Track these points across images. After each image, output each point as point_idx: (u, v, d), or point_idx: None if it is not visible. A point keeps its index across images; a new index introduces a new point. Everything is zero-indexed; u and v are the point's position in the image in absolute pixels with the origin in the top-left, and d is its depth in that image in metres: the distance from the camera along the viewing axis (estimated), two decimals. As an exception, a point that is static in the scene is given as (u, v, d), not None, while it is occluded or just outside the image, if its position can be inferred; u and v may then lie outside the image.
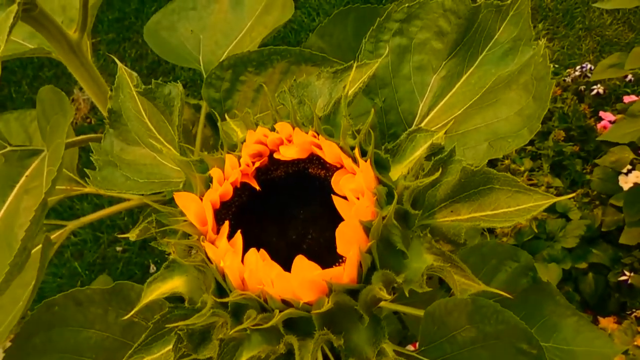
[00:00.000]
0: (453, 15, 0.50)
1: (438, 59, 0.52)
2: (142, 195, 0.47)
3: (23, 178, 0.63)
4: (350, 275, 0.37)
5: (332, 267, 0.41)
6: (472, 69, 0.51)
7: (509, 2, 0.49)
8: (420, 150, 0.46)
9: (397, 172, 0.45)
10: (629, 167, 1.82)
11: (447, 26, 0.50)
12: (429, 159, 0.45)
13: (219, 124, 0.51)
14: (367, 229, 0.38)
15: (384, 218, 0.38)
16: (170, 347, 0.43)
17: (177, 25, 1.16)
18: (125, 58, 2.81)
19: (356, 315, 0.40)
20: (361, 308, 0.38)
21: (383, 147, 0.43)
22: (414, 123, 0.51)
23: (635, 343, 1.58)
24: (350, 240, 0.36)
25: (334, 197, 0.38)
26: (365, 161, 0.40)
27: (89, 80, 0.74)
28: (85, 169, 0.49)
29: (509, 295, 0.50)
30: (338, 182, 0.40)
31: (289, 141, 0.42)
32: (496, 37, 0.51)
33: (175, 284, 0.43)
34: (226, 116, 0.54)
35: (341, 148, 0.41)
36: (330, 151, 0.40)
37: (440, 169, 0.39)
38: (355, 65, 0.46)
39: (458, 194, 0.43)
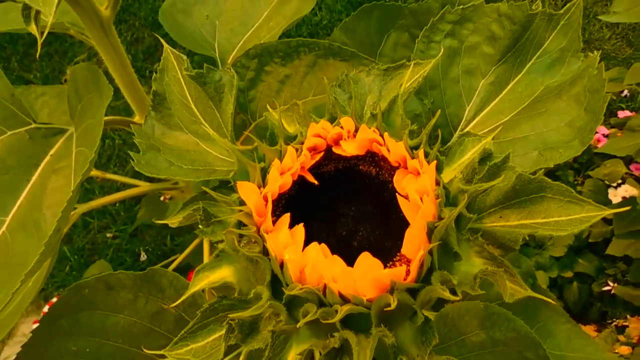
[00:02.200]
0: (508, 20, 0.50)
1: (488, 64, 0.52)
2: (188, 181, 0.47)
3: (47, 157, 0.62)
4: (412, 275, 0.37)
5: (384, 262, 0.42)
6: (519, 77, 0.51)
7: (561, 11, 0.50)
8: (469, 154, 0.46)
9: (448, 174, 0.45)
10: (620, 181, 1.86)
11: (500, 31, 0.51)
12: (482, 163, 0.45)
13: (265, 113, 0.51)
14: (430, 230, 0.38)
15: (442, 219, 0.39)
16: (215, 336, 0.43)
17: (193, 9, 1.14)
18: (121, 41, 2.76)
19: (408, 314, 0.40)
20: (417, 307, 0.38)
21: (435, 145, 0.43)
22: (460, 127, 0.51)
23: (616, 351, 1.63)
24: (416, 242, 0.36)
25: (399, 198, 0.38)
26: (428, 163, 0.40)
27: (115, 60, 0.72)
28: (129, 152, 0.48)
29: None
30: (400, 181, 0.40)
31: (349, 137, 0.42)
32: (545, 45, 0.51)
33: (223, 273, 0.43)
34: (268, 106, 0.54)
35: (402, 147, 0.41)
36: (395, 150, 0.40)
37: (503, 176, 0.39)
38: (412, 64, 0.46)
39: (509, 200, 0.44)
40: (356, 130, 0.43)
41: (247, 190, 0.39)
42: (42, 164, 0.62)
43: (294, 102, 0.48)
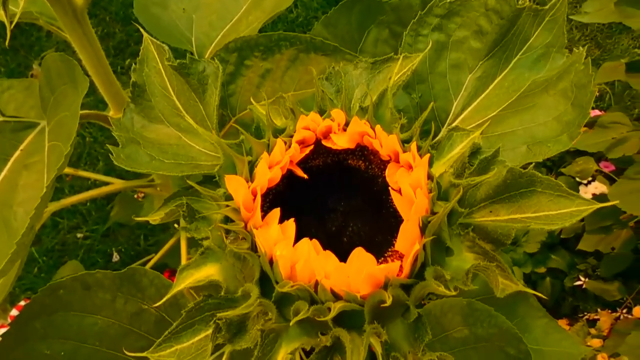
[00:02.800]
0: (495, 15, 0.50)
1: (475, 58, 0.52)
2: (169, 176, 0.45)
3: (17, 152, 0.59)
4: (406, 271, 0.37)
5: (376, 257, 0.41)
6: (505, 72, 0.51)
7: (547, 7, 0.50)
8: (459, 149, 0.46)
9: (437, 168, 0.45)
10: (590, 178, 1.91)
11: (487, 26, 0.51)
12: (471, 157, 0.45)
13: (250, 107, 0.49)
14: (423, 225, 0.37)
15: (435, 214, 0.38)
16: (201, 337, 0.41)
17: (169, 2, 1.11)
18: (92, 33, 2.68)
19: (400, 310, 0.40)
20: (411, 303, 0.38)
21: (428, 143, 0.43)
22: (447, 121, 0.51)
23: (588, 344, 1.67)
24: (410, 237, 0.36)
25: (392, 192, 0.38)
26: (421, 156, 0.39)
27: (90, 52, 0.69)
28: (108, 145, 0.46)
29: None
30: (392, 175, 0.40)
31: (340, 129, 0.41)
32: (531, 41, 0.51)
33: (209, 271, 0.41)
34: (251, 99, 0.52)
35: (393, 141, 0.40)
36: (387, 144, 0.39)
37: (495, 170, 0.39)
38: (401, 57, 0.45)
39: (499, 195, 0.44)
40: (346, 124, 0.42)
41: (235, 184, 0.37)
42: (12, 159, 0.59)
43: (280, 95, 0.47)
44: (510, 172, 0.42)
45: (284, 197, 0.44)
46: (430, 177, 0.40)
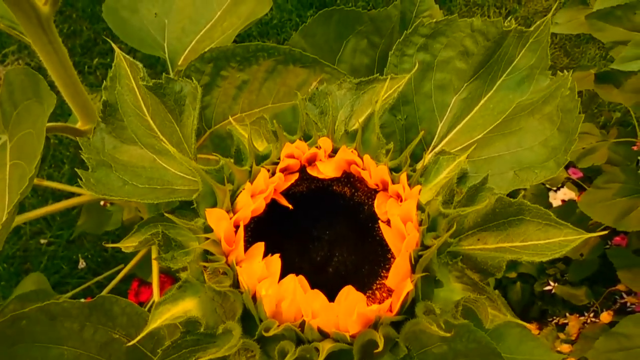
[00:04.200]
0: (482, 36, 0.49)
1: (460, 79, 0.51)
2: (145, 202, 0.42)
3: (-24, 167, 0.55)
4: (397, 308, 0.35)
5: (363, 290, 0.39)
6: (490, 93, 0.50)
7: (531, 29, 0.49)
8: (445, 173, 0.45)
9: (424, 194, 0.43)
10: (559, 185, 1.94)
11: (473, 47, 0.50)
12: (459, 183, 0.44)
13: (230, 128, 0.47)
14: (414, 260, 0.36)
15: (427, 248, 0.37)
16: (178, 376, 0.39)
17: (139, 5, 1.07)
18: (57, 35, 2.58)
19: (389, 345, 0.38)
20: (401, 340, 0.36)
21: (418, 173, 0.41)
22: (432, 143, 0.50)
23: (557, 349, 1.70)
24: (401, 273, 0.34)
25: (382, 225, 0.36)
26: (410, 187, 0.38)
27: (56, 61, 0.66)
28: (76, 169, 0.43)
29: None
30: (381, 206, 0.38)
31: (326, 157, 0.40)
32: (515, 62, 0.51)
33: (187, 306, 0.39)
34: (230, 119, 0.50)
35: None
36: (376, 174, 0.37)
37: (486, 200, 0.38)
38: (388, 78, 0.44)
39: (487, 223, 0.43)
40: (333, 150, 0.41)
41: (216, 217, 0.35)
42: (-30, 178, 0.55)
43: (262, 117, 0.45)
44: (499, 201, 0.41)
45: (267, 225, 0.42)
46: (420, 207, 0.39)
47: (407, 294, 0.35)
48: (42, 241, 2.08)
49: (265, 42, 0.79)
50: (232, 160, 0.38)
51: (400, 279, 0.35)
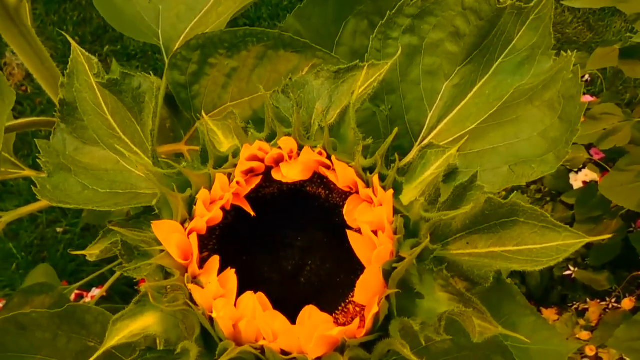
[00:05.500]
0: (474, 15, 0.44)
1: (452, 64, 0.46)
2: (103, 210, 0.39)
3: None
4: (367, 327, 0.31)
5: (336, 305, 0.36)
6: (486, 78, 0.46)
7: (532, 4, 0.44)
8: (432, 169, 0.41)
9: (408, 194, 0.39)
10: (581, 166, 1.87)
11: (465, 27, 0.45)
12: (446, 180, 0.40)
13: (197, 123, 0.44)
14: (387, 272, 0.32)
15: (401, 258, 0.33)
16: (138, 396, 0.36)
17: (133, -9, 1.03)
18: (66, 22, 2.56)
19: (363, 365, 0.35)
20: (374, 361, 0.33)
21: (394, 165, 0.37)
22: (421, 135, 0.46)
23: (577, 336, 1.65)
24: (370, 289, 0.31)
25: (350, 234, 0.32)
26: (385, 189, 0.34)
27: (29, 52, 0.63)
28: (33, 178, 0.40)
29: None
30: (351, 211, 0.34)
31: (291, 158, 0.36)
32: (514, 42, 0.46)
33: (147, 322, 0.36)
34: (203, 114, 0.47)
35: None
36: (344, 175, 0.34)
37: (472, 203, 0.34)
38: (367, 65, 0.39)
39: (477, 225, 0.39)
40: (300, 148, 0.37)
41: (164, 231, 0.32)
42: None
43: (231, 112, 0.41)
44: (488, 203, 0.37)
45: (235, 232, 0.39)
46: (396, 211, 0.35)
47: (377, 313, 0.31)
48: (58, 230, 2.10)
49: (255, 27, 0.75)
50: (186, 164, 0.35)
51: (371, 295, 0.31)
